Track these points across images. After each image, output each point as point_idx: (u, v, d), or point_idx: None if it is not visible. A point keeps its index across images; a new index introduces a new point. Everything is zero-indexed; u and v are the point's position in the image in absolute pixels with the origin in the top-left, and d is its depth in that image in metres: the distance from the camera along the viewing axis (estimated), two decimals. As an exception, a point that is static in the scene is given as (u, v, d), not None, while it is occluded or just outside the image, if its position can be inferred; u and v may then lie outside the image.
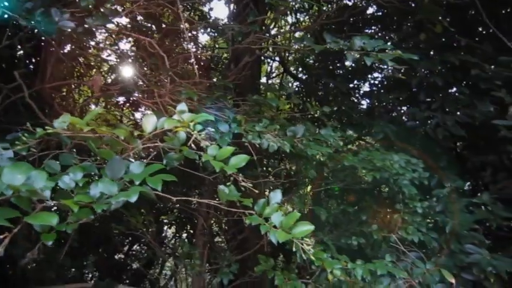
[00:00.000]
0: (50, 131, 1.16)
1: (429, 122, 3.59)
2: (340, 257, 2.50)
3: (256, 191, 1.48)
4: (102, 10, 1.60)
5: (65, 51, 3.56)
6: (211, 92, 2.78)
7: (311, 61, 6.12)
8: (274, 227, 1.49)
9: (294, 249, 1.46)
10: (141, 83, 3.34)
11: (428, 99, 3.98)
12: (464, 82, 3.98)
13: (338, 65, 5.39)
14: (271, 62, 6.48)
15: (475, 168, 3.92)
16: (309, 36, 5.68)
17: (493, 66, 3.64)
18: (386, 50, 1.94)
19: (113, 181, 1.21)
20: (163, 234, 5.71)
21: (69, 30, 1.59)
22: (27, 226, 1.24)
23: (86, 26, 1.51)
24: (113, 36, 4.24)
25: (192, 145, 1.26)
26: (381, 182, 3.13)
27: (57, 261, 3.00)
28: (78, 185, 1.19)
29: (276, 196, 1.59)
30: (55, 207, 1.40)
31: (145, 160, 1.80)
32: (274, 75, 6.70)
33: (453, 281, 2.40)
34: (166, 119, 1.27)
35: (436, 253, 3.03)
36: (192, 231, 5.40)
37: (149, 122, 1.40)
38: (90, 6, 1.49)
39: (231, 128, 2.01)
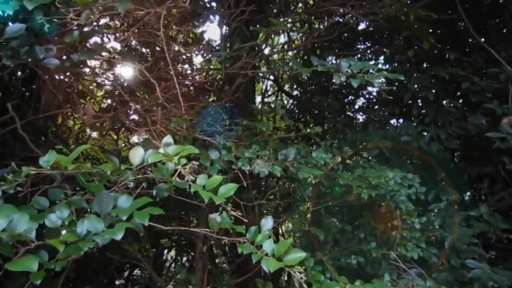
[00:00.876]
0: (34, 172, 1.16)
1: (424, 135, 3.60)
2: (339, 278, 2.47)
3: (246, 220, 1.47)
4: (87, 45, 1.62)
5: (59, 78, 3.60)
6: (204, 116, 2.79)
7: (305, 78, 6.17)
8: (266, 255, 1.48)
9: (285, 277, 1.45)
10: (134, 108, 3.36)
11: (422, 112, 4.00)
12: (457, 94, 4.01)
13: (332, 81, 5.43)
14: (266, 80, 6.53)
15: (472, 179, 3.91)
16: (300, 54, 5.74)
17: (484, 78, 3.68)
18: (371, 70, 1.95)
19: (100, 217, 1.20)
20: (163, 258, 5.65)
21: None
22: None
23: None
24: (106, 61, 4.28)
25: (177, 178, 1.26)
26: (377, 199, 3.12)
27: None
28: (64, 223, 1.18)
29: (267, 223, 1.59)
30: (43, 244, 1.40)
31: (137, 189, 1.80)
32: (270, 93, 6.74)
33: (455, 298, 2.36)
34: (152, 152, 1.27)
35: (437, 269, 3.00)
36: (192, 254, 5.34)
37: (136, 154, 1.40)
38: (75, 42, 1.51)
39: (222, 154, 2.01)
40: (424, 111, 3.94)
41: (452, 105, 3.77)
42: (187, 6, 1.88)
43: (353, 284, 2.41)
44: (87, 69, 4.14)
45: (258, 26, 4.25)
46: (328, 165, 2.48)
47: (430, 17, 3.01)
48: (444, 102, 4.09)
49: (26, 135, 2.46)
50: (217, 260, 4.87)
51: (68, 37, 1.46)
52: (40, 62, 1.36)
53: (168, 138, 1.33)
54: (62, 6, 1.21)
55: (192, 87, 5.49)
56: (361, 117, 5.03)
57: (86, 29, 1.91)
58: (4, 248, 0.95)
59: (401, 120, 4.60)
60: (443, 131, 3.49)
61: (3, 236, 0.91)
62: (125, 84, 3.89)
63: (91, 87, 4.33)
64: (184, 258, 5.61)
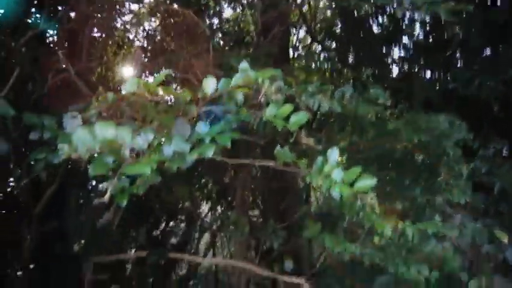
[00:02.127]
0: (124, 94, 1.19)
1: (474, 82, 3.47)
2: (390, 217, 2.49)
3: (319, 148, 1.48)
4: None
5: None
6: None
7: (337, 30, 6.01)
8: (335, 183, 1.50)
9: (355, 210, 1.47)
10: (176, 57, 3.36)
11: (466, 60, 3.85)
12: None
13: (366, 30, 5.26)
14: (297, 32, 6.36)
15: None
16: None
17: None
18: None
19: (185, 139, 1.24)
20: (199, 210, 5.81)
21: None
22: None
23: None
24: (139, 16, 4.24)
25: (262, 100, 1.27)
26: (422, 145, 3.07)
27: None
28: (151, 146, 1.21)
29: (333, 153, 1.59)
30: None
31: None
32: (300, 46, 6.58)
33: (506, 240, 2.36)
34: (234, 77, 1.28)
35: (481, 215, 2.99)
36: (227, 206, 5.46)
37: (209, 83, 1.40)
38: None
39: (283, 88, 1.99)
40: (469, 59, 3.79)
41: (502, 52, 3.61)
42: None
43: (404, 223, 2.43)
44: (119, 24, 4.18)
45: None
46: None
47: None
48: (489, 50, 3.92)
49: (78, 81, 2.52)
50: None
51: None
52: None
53: (244, 64, 1.32)
54: None
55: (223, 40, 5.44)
56: (398, 68, 4.89)
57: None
58: (116, 154, 0.99)
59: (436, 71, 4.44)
60: (495, 77, 3.36)
61: (116, 142, 0.95)
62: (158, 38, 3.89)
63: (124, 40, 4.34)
64: (219, 209, 5.74)
